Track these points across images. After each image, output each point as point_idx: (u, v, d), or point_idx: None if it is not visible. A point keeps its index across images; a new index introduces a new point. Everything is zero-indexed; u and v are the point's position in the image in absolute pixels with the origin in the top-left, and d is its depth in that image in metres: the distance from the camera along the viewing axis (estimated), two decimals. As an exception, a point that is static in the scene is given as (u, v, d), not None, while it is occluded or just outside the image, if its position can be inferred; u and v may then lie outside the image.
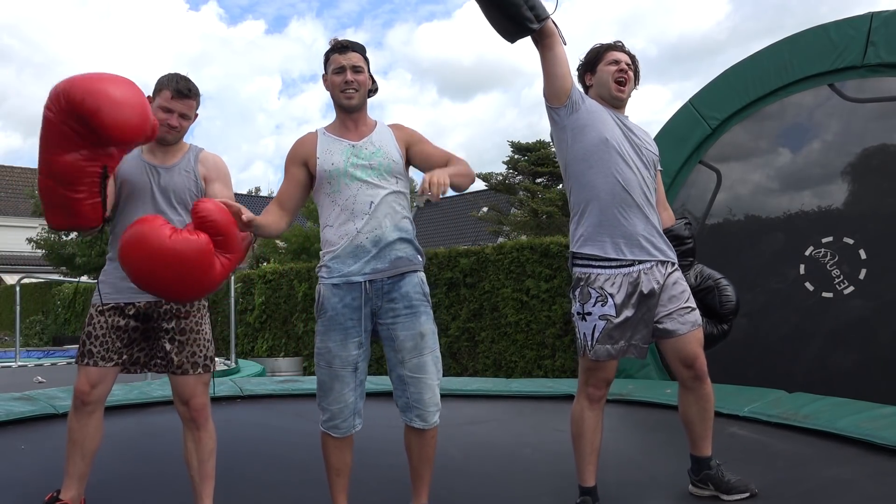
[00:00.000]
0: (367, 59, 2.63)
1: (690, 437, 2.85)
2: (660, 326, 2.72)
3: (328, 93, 2.64)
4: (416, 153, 2.66)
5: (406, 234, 2.59)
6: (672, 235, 2.88)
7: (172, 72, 2.73)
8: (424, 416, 2.54)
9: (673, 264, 2.77)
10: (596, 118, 2.71)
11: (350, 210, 2.52)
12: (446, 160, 2.63)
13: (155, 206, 2.66)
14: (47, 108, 2.36)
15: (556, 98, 2.70)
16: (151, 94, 2.70)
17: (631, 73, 2.79)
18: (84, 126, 2.32)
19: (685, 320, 2.70)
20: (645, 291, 2.66)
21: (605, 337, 2.65)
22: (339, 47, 2.59)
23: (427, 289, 2.64)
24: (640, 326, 2.71)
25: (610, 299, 2.64)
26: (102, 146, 2.41)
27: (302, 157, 2.61)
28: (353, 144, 2.59)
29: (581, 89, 2.80)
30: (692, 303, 2.75)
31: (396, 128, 2.70)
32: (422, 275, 2.64)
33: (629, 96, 2.81)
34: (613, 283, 2.65)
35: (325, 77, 2.64)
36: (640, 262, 2.68)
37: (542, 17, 2.55)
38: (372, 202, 2.52)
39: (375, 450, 3.40)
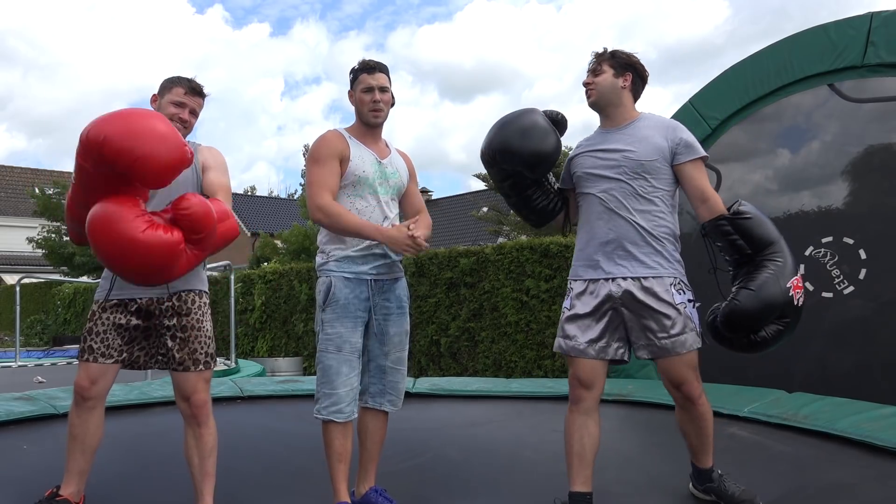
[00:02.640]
0: (390, 79, 2.84)
1: (689, 448, 2.86)
2: (646, 345, 2.68)
3: (352, 106, 2.83)
4: (409, 186, 2.97)
5: None
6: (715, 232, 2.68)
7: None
8: (395, 402, 2.88)
9: (658, 278, 2.64)
10: (576, 165, 2.83)
11: (367, 216, 2.75)
12: (419, 209, 2.99)
13: (156, 202, 2.66)
14: (82, 157, 2.35)
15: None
16: (157, 93, 2.77)
17: (594, 81, 2.76)
18: (120, 173, 2.34)
19: (672, 342, 2.62)
20: (612, 292, 2.65)
21: (560, 328, 2.77)
22: (368, 68, 2.80)
23: (409, 292, 2.97)
24: (600, 330, 2.67)
25: (570, 293, 2.79)
26: (140, 186, 2.44)
27: (339, 151, 2.76)
28: (380, 161, 2.82)
29: (570, 155, 2.90)
30: (678, 327, 2.62)
31: (406, 157, 2.99)
32: (405, 280, 2.96)
33: (606, 97, 2.75)
34: (576, 280, 2.78)
35: (351, 93, 2.83)
36: (603, 273, 2.69)
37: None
38: (386, 217, 2.80)
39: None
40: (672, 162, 2.67)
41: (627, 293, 2.63)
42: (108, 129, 2.26)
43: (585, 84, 2.79)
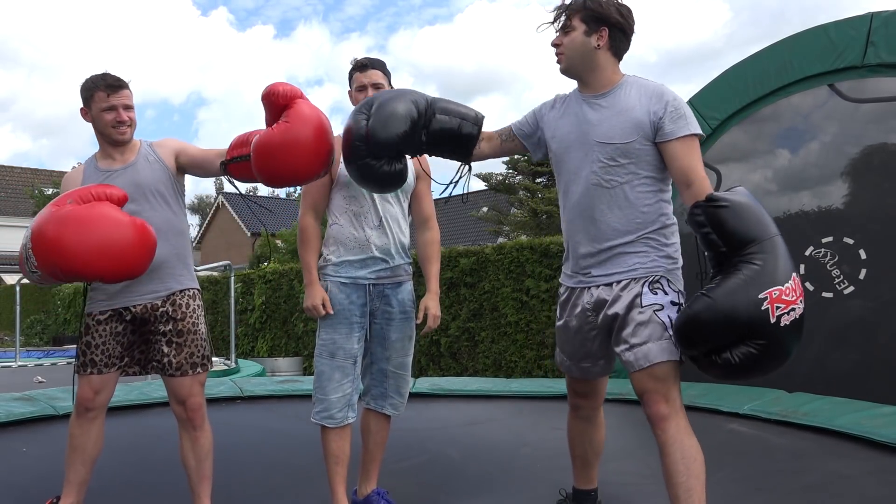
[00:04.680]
0: (387, 74, 2.80)
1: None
2: (617, 356, 2.35)
3: (352, 106, 2.73)
4: (417, 187, 2.86)
5: (406, 249, 2.81)
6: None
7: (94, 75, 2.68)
8: (397, 406, 2.84)
9: (631, 280, 2.25)
10: (550, 130, 2.41)
11: (362, 217, 2.72)
12: (429, 215, 2.89)
13: (129, 206, 2.56)
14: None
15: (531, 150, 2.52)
16: (83, 106, 2.67)
17: (563, 42, 2.29)
18: None
19: (634, 355, 2.22)
20: (585, 303, 2.36)
21: (557, 341, 2.56)
22: (360, 66, 2.76)
23: (415, 296, 2.86)
24: (582, 345, 2.42)
25: (559, 298, 2.51)
26: None
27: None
28: None
29: (543, 106, 2.46)
30: (642, 334, 2.20)
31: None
32: (412, 283, 2.87)
33: (574, 64, 2.30)
34: (561, 286, 2.51)
35: (350, 93, 2.80)
36: (580, 281, 2.39)
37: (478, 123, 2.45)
38: (382, 217, 2.72)
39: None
40: (655, 139, 2.22)
41: (600, 301, 2.30)
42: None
43: (554, 45, 2.31)
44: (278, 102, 2.40)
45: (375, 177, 2.40)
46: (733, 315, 2.00)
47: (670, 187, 2.32)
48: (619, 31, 2.27)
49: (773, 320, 1.99)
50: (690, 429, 2.19)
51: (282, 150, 2.37)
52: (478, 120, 2.46)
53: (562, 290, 2.48)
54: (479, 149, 2.51)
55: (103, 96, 2.61)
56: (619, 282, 2.26)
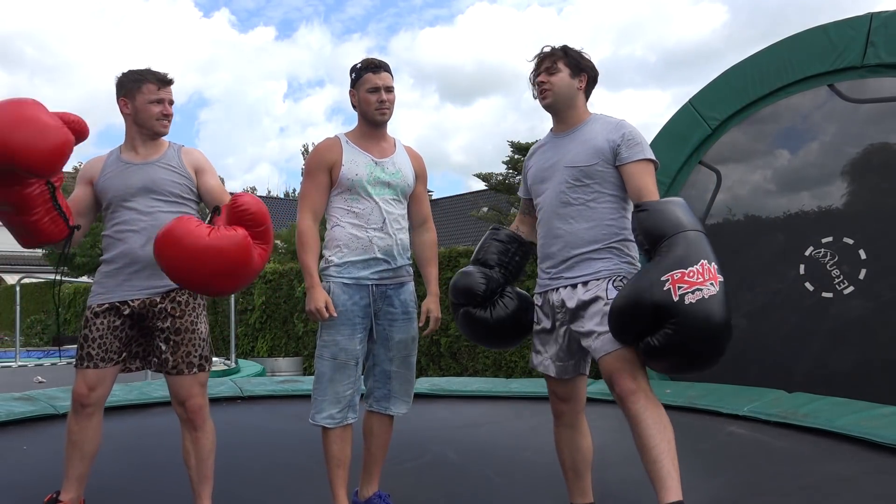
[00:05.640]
0: (392, 78, 2.79)
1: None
2: (586, 352, 2.55)
3: (356, 106, 2.76)
4: (416, 189, 2.88)
5: (408, 250, 2.83)
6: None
7: (143, 68, 2.73)
8: (401, 405, 2.82)
9: (595, 281, 2.47)
10: (530, 172, 2.72)
11: (365, 219, 2.71)
12: (427, 216, 2.93)
13: (141, 202, 2.64)
14: None
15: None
16: (123, 95, 2.69)
17: (550, 81, 2.59)
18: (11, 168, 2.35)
19: (602, 342, 2.39)
20: (553, 302, 2.57)
21: (533, 344, 2.70)
22: (374, 67, 2.74)
23: (416, 297, 2.86)
24: (558, 345, 2.59)
25: (536, 306, 2.68)
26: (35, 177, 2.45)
27: (329, 162, 2.73)
28: (377, 161, 2.76)
29: (525, 164, 2.79)
30: (603, 326, 2.39)
31: (413, 156, 2.91)
32: (413, 284, 2.87)
33: (560, 100, 2.61)
34: (536, 293, 2.69)
35: (352, 92, 2.77)
36: (547, 284, 2.62)
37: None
38: (385, 219, 2.72)
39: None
40: (615, 163, 2.51)
41: (566, 299, 2.51)
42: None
43: (540, 83, 2.62)
44: (238, 214, 2.43)
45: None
46: (639, 298, 2.20)
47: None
48: (592, 79, 2.66)
49: (675, 298, 2.13)
50: (659, 401, 2.33)
51: (186, 254, 2.35)
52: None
53: (536, 298, 2.69)
54: (526, 236, 2.81)
55: (154, 88, 2.67)
56: (585, 283, 2.49)
